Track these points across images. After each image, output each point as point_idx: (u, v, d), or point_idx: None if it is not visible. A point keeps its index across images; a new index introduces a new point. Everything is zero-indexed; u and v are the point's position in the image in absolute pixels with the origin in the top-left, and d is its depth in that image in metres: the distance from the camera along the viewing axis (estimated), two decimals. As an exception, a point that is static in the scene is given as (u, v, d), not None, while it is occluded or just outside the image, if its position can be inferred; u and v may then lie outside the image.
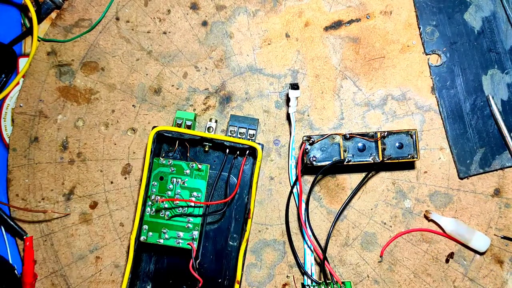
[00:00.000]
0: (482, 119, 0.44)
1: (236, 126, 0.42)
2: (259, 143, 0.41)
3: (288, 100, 0.43)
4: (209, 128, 0.43)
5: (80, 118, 0.45)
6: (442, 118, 0.44)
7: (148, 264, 0.43)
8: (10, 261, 0.45)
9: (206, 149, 0.43)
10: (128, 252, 0.43)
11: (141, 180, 0.41)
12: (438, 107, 0.44)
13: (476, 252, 0.43)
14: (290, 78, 0.45)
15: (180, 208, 0.41)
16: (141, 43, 0.45)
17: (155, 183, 0.41)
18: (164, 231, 0.40)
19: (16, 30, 0.47)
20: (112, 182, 0.44)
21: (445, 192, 0.44)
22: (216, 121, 0.43)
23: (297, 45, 0.45)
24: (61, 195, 0.44)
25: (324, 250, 0.42)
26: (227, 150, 0.42)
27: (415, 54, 0.44)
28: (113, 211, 0.44)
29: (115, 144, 0.45)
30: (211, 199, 0.42)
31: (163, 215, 0.41)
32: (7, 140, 0.46)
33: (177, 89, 0.45)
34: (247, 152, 0.42)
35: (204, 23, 0.45)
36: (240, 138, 0.41)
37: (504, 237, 0.43)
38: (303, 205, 0.42)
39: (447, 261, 0.43)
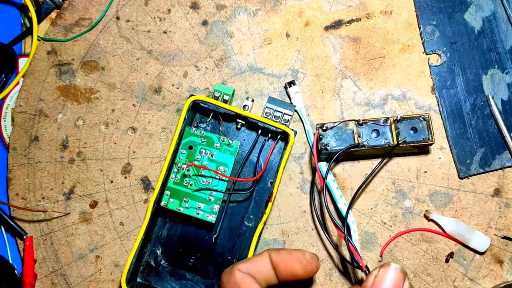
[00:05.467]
0: (482, 119, 0.44)
1: (272, 109, 0.42)
2: (292, 129, 0.41)
3: (291, 99, 0.44)
4: (244, 106, 0.43)
5: (80, 117, 0.45)
6: (442, 118, 0.44)
7: (161, 229, 0.43)
8: (10, 261, 0.45)
9: (238, 126, 0.43)
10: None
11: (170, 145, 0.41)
12: (438, 107, 0.44)
13: (476, 252, 0.43)
14: (290, 77, 0.45)
15: (205, 180, 0.41)
16: (141, 42, 0.45)
17: (184, 151, 0.41)
18: (186, 200, 0.41)
19: (16, 30, 0.47)
20: (112, 182, 0.44)
21: (445, 192, 0.44)
22: (252, 100, 0.43)
23: (297, 44, 0.45)
24: (61, 194, 0.44)
25: (346, 232, 0.40)
26: (260, 131, 0.42)
27: (415, 54, 0.44)
28: (113, 210, 0.44)
29: (115, 143, 0.45)
30: (238, 176, 0.42)
31: (186, 184, 0.41)
32: (7, 139, 0.46)
33: (178, 88, 0.45)
34: (279, 136, 0.42)
35: (205, 23, 0.45)
36: (275, 121, 0.41)
37: (504, 237, 0.43)
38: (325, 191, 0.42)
39: (447, 261, 0.43)
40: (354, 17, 0.45)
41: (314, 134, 0.41)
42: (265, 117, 0.41)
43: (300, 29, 0.45)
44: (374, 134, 0.41)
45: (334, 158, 0.40)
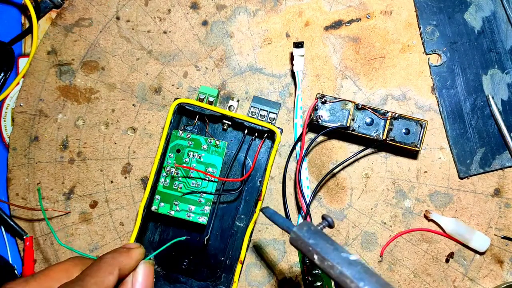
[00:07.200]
0: (482, 119, 0.44)
1: (258, 108, 0.42)
2: (278, 127, 0.41)
3: (292, 58, 0.44)
4: (230, 107, 0.43)
5: (80, 117, 0.45)
6: (442, 118, 0.44)
7: (153, 234, 0.43)
8: (10, 261, 0.45)
9: (225, 127, 0.43)
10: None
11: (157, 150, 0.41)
12: (438, 107, 0.44)
13: (476, 252, 0.43)
14: (290, 77, 0.45)
15: (194, 182, 0.41)
16: (142, 42, 0.45)
17: (172, 155, 0.41)
18: (176, 203, 0.41)
19: (16, 30, 0.47)
20: (112, 182, 0.44)
21: (445, 192, 0.44)
22: (238, 101, 0.43)
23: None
24: (61, 194, 0.44)
25: (308, 205, 0.42)
26: (246, 131, 0.42)
27: (415, 54, 0.44)
28: (113, 211, 0.44)
29: (115, 143, 0.45)
30: (226, 177, 0.43)
31: (176, 187, 0.41)
32: (7, 139, 0.46)
33: (177, 88, 0.45)
34: (266, 135, 0.42)
35: (205, 23, 0.45)
36: (260, 120, 0.41)
37: (504, 237, 0.43)
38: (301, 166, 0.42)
39: (447, 261, 0.43)
40: (354, 17, 0.45)
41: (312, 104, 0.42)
42: (251, 117, 0.41)
43: (300, 29, 0.45)
44: (368, 122, 0.41)
45: (322, 132, 0.41)
